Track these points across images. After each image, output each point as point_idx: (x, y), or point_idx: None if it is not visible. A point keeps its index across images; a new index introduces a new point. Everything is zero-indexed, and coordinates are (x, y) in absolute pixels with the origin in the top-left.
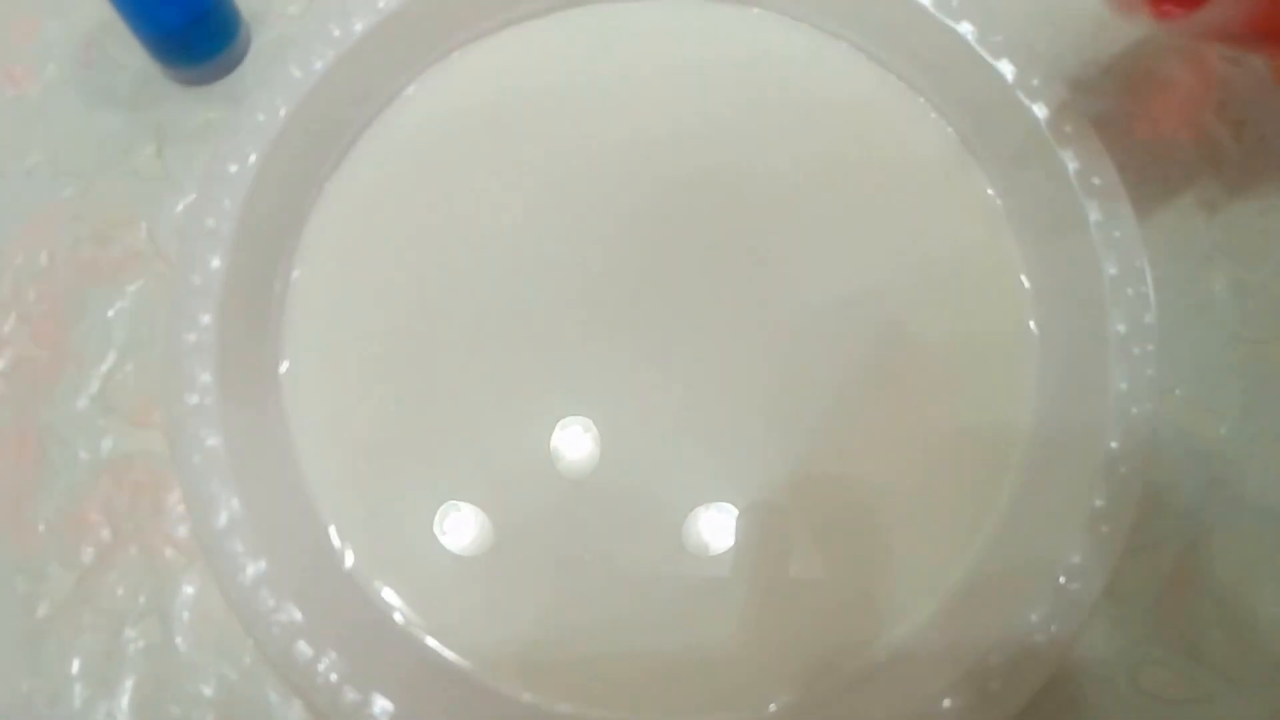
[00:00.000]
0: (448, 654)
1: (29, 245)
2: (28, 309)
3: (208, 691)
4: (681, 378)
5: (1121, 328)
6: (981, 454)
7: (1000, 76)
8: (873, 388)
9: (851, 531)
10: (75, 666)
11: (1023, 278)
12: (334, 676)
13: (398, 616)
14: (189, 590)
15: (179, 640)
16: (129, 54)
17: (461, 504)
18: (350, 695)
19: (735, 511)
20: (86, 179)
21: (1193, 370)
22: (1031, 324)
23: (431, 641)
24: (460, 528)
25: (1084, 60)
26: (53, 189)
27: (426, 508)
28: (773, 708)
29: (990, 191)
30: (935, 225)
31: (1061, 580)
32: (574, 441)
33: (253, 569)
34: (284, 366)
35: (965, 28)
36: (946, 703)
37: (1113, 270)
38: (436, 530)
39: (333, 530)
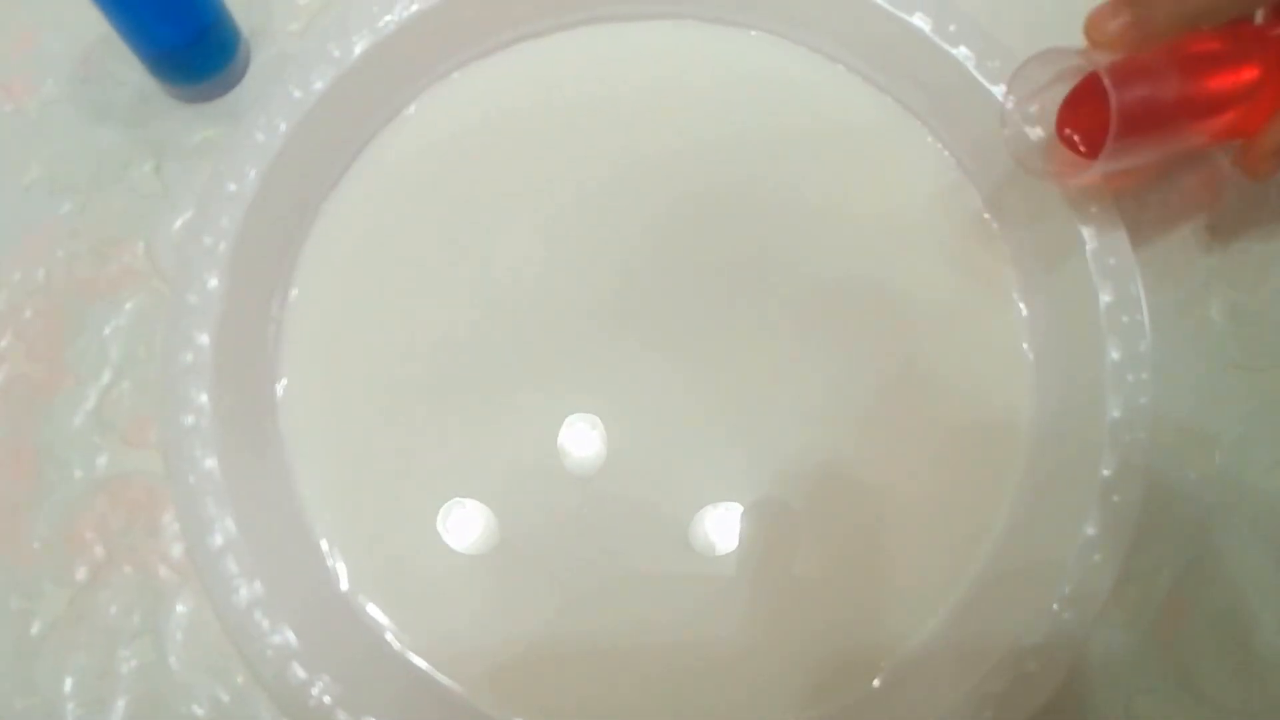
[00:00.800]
0: (442, 679)
1: (26, 261)
2: (24, 325)
3: (200, 712)
4: (684, 387)
5: (1116, 355)
6: (976, 478)
7: (997, 102)
8: (869, 409)
9: (846, 553)
10: (68, 685)
11: (1019, 302)
12: (327, 699)
13: (393, 640)
14: (182, 610)
15: (172, 660)
16: (127, 69)
17: (457, 531)
18: (343, 719)
19: (739, 511)
20: (84, 195)
21: (1188, 397)
22: (1026, 347)
23: (427, 666)
24: (456, 555)
25: None
26: (50, 205)
27: (423, 532)
28: None
29: (986, 216)
30: (931, 249)
31: (1055, 608)
32: (573, 471)
33: (247, 590)
34: (281, 387)
35: (963, 53)
36: None
37: (1108, 297)
38: (433, 555)
39: (328, 552)
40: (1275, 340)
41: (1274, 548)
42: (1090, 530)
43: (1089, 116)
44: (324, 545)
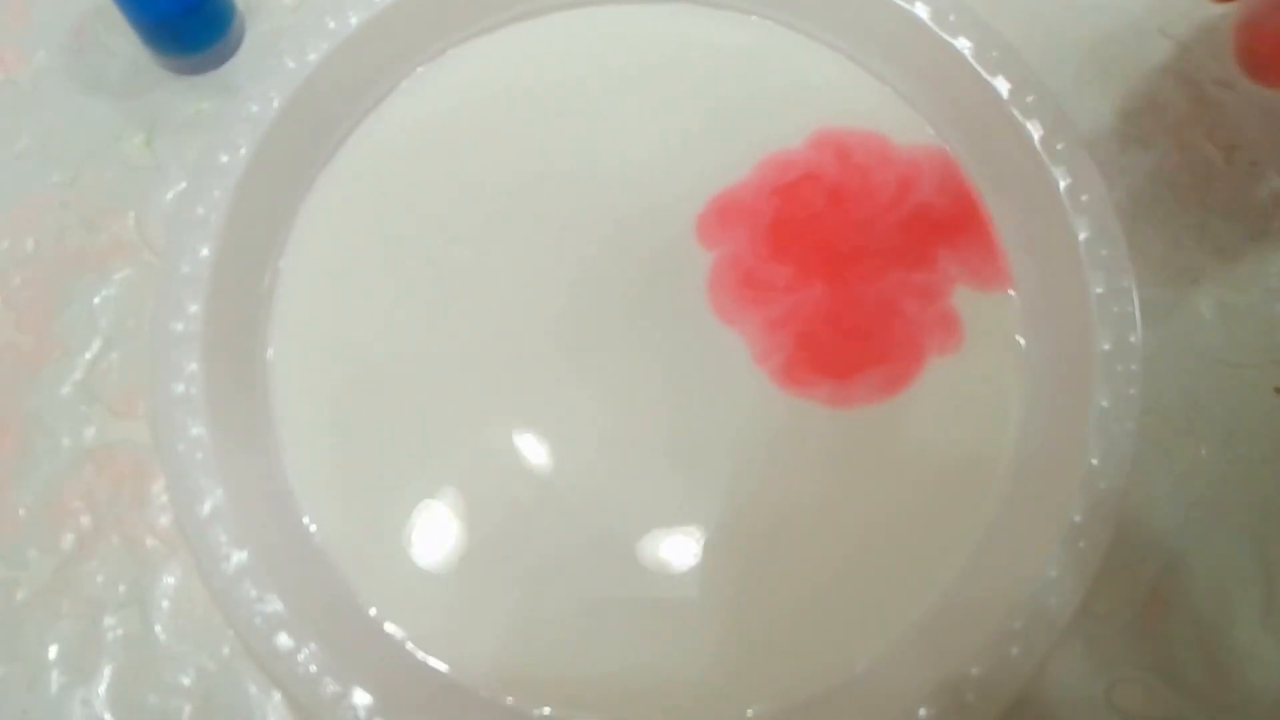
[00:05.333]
0: (424, 651)
1: (15, 231)
2: (12, 295)
3: (186, 681)
4: (666, 390)
5: (1106, 345)
6: (964, 465)
7: (995, 93)
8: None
9: (836, 542)
10: (53, 653)
11: (1011, 292)
12: (314, 668)
13: (376, 612)
14: (169, 580)
15: (158, 629)
16: (121, 40)
17: (443, 503)
18: (330, 687)
19: (716, 526)
20: (75, 166)
21: (1175, 391)
22: (1019, 338)
23: (409, 638)
24: (440, 526)
25: (1080, 80)
26: (41, 175)
27: (409, 504)
28: (750, 713)
29: (982, 207)
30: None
31: (1039, 593)
32: (560, 445)
33: (235, 559)
34: (271, 358)
35: (962, 43)
36: (922, 712)
37: (1100, 288)
38: (417, 527)
39: (315, 523)
40: (1262, 338)
41: (1256, 542)
42: (1076, 517)
43: None
44: (310, 515)
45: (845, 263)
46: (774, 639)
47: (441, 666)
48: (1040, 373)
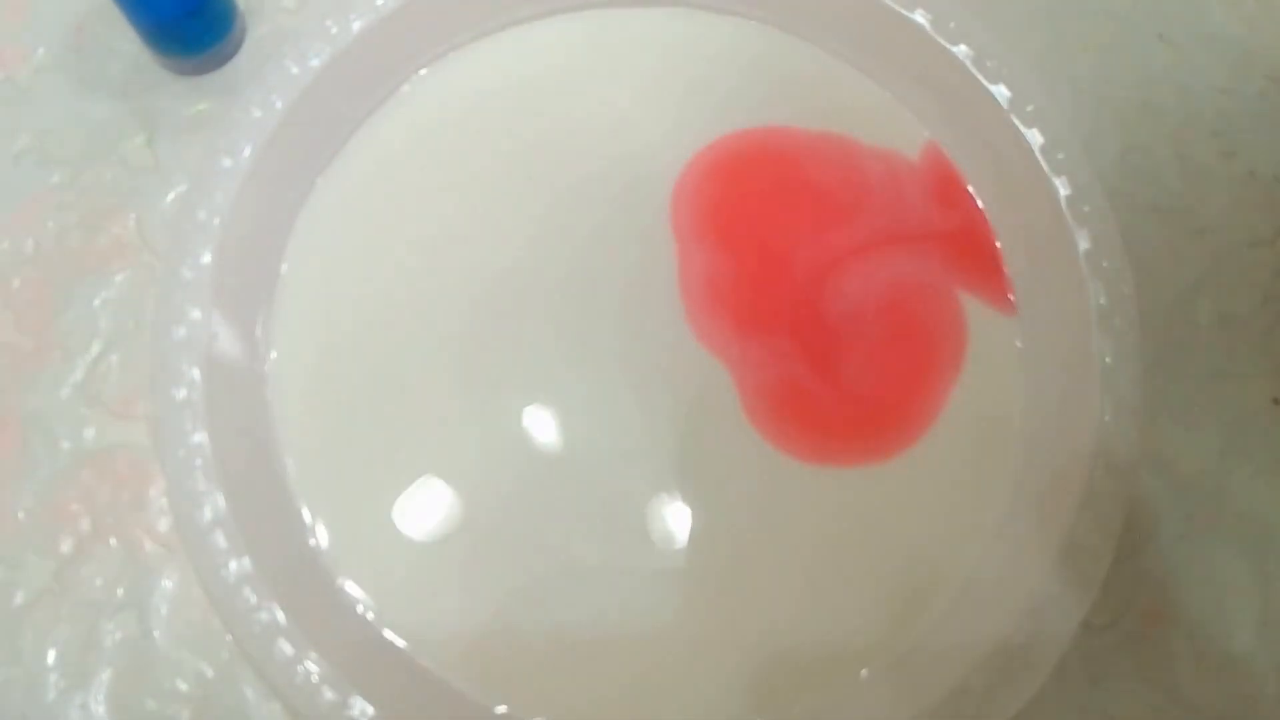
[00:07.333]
0: (426, 660)
1: (15, 232)
2: (12, 296)
3: (184, 687)
4: (659, 373)
5: (1108, 358)
6: (965, 478)
7: (995, 101)
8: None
9: (834, 557)
10: (51, 657)
11: (1012, 301)
12: (314, 677)
13: (374, 619)
14: (168, 585)
15: (157, 634)
16: (121, 39)
17: (447, 510)
18: (329, 696)
19: (715, 533)
20: (75, 167)
21: (1176, 403)
22: (1019, 344)
23: (410, 647)
24: (445, 533)
25: (1079, 88)
26: (40, 175)
27: (412, 511)
28: None
29: (982, 215)
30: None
31: (1040, 607)
32: (571, 444)
33: (235, 566)
34: (271, 363)
35: (962, 50)
36: None
37: (1101, 299)
38: (420, 534)
39: (317, 529)
40: (1261, 348)
41: (1253, 554)
42: (1077, 532)
43: None
44: (312, 521)
45: (841, 270)
46: (772, 654)
47: (444, 676)
48: (1041, 384)
